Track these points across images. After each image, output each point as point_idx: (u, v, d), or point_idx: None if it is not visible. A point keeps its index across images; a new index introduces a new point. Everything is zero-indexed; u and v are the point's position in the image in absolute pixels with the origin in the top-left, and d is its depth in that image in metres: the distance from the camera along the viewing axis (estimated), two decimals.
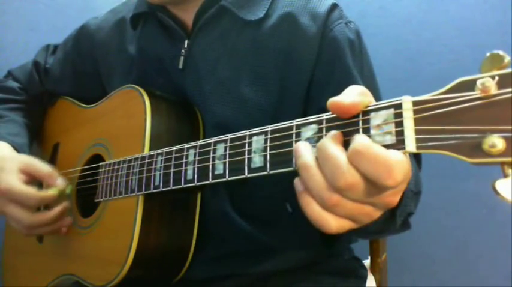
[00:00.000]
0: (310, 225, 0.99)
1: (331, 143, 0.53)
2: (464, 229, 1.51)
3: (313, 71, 0.96)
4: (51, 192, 1.00)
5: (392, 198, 0.55)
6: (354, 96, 0.55)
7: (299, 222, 1.00)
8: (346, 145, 0.52)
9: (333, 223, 0.55)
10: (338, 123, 0.56)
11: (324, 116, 0.59)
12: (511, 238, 1.40)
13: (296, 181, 0.57)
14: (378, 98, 0.96)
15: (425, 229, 1.49)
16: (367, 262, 1.20)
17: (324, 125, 0.58)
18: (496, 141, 0.43)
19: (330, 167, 0.51)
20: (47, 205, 1.04)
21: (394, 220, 0.72)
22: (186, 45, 1.03)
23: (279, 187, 0.92)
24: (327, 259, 1.07)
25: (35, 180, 1.04)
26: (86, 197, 1.08)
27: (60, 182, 1.02)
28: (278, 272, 1.02)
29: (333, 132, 0.55)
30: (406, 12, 1.59)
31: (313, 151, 0.55)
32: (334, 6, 0.99)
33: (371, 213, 0.56)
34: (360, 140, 0.50)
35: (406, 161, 0.50)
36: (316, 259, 1.06)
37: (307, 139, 0.59)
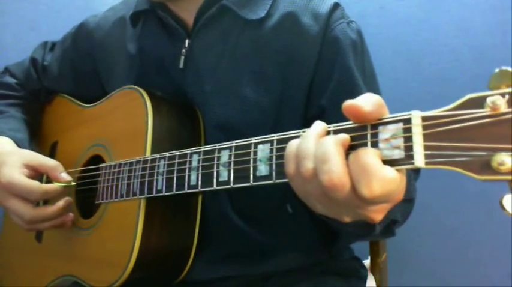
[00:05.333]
0: (310, 226, 1.00)
1: (333, 142, 0.54)
2: (464, 229, 1.51)
3: (315, 71, 0.95)
4: (55, 185, 0.99)
5: (374, 215, 0.56)
6: (373, 105, 0.54)
7: (299, 223, 1.01)
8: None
9: (299, 188, 0.59)
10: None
11: (331, 127, 0.59)
12: (511, 238, 1.41)
13: (291, 143, 0.59)
14: None
15: (425, 229, 1.50)
16: (367, 262, 1.21)
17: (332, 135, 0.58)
18: (505, 159, 0.44)
19: (320, 148, 0.53)
20: (47, 201, 1.04)
21: (373, 226, 0.72)
22: (186, 45, 1.02)
23: (279, 188, 0.92)
24: (327, 259, 1.08)
25: (38, 174, 1.03)
26: (85, 198, 1.08)
27: (64, 177, 1.01)
28: (278, 272, 1.02)
29: (343, 135, 0.55)
30: (406, 12, 1.59)
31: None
32: (335, 5, 0.98)
33: (338, 213, 0.58)
34: (364, 148, 0.52)
35: (395, 182, 0.51)
36: (316, 259, 1.06)
37: None
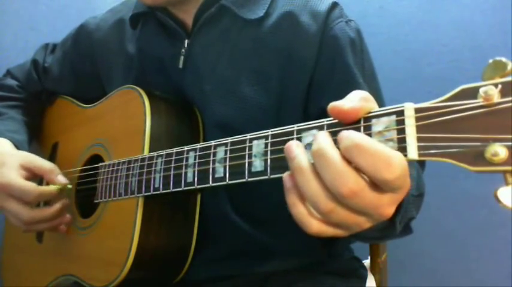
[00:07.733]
0: None
1: (331, 147, 0.51)
2: (464, 229, 1.51)
3: (314, 70, 0.95)
4: (51, 187, 1.00)
5: (387, 210, 0.54)
6: (355, 101, 0.54)
7: None
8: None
9: (314, 226, 0.55)
10: (339, 128, 0.56)
11: (325, 121, 0.58)
12: (511, 238, 1.41)
13: (286, 177, 0.57)
14: (379, 97, 0.96)
15: (425, 229, 1.49)
16: (367, 262, 1.20)
17: (325, 130, 0.57)
18: (499, 150, 0.43)
19: (332, 174, 0.50)
20: (47, 202, 1.04)
21: (394, 227, 0.72)
22: (186, 45, 1.03)
23: (278, 188, 0.91)
24: (327, 259, 1.07)
25: (35, 176, 1.04)
26: (85, 197, 1.08)
27: (61, 179, 1.02)
28: (278, 272, 1.02)
29: (325, 133, 0.54)
30: (406, 12, 1.59)
31: (306, 152, 0.55)
32: (334, 4, 0.98)
33: (362, 223, 0.55)
34: (356, 134, 0.49)
35: (404, 159, 0.49)
36: (316, 259, 1.06)
37: (308, 145, 0.58)
